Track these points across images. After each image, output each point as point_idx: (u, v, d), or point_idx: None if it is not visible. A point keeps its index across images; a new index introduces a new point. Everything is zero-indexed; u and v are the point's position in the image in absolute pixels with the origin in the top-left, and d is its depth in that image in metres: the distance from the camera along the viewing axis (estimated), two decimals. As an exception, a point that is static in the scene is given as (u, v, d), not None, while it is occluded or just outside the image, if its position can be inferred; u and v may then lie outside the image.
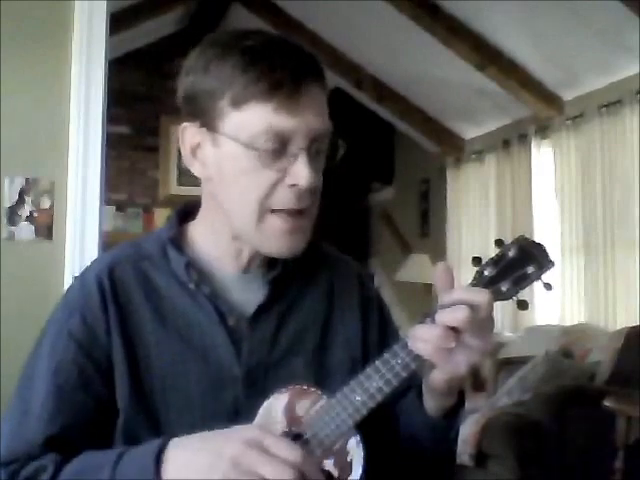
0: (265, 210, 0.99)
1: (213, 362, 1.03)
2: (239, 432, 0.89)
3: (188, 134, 1.03)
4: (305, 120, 0.98)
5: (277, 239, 1.01)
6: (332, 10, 5.36)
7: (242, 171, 0.99)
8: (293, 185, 0.98)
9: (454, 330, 0.90)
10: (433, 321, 0.91)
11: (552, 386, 3.77)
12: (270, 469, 0.84)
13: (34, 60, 2.48)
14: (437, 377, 0.95)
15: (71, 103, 2.50)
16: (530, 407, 3.70)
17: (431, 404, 1.01)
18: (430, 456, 1.07)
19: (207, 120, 1.00)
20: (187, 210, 1.13)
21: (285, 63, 0.97)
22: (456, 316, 0.89)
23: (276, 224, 1.00)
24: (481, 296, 0.91)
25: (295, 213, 1.00)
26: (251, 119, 0.97)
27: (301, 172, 0.98)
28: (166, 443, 0.90)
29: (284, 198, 0.99)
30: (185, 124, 1.03)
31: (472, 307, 0.90)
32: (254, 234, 1.01)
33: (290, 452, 0.86)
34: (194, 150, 1.04)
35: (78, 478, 0.94)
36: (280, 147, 0.98)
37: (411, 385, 1.03)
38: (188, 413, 1.01)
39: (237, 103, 0.97)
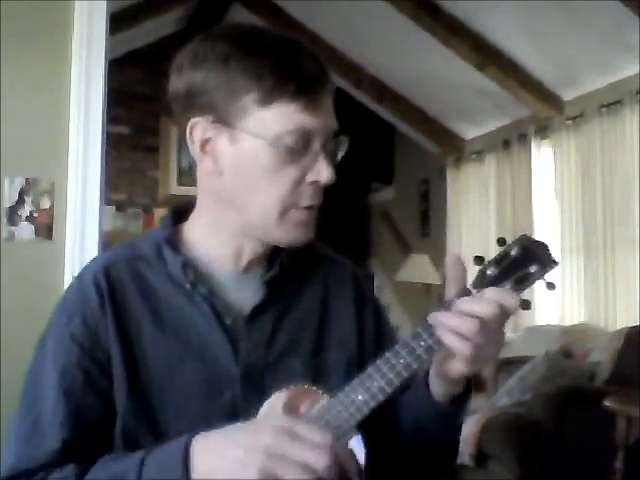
0: (288, 206, 1.01)
1: (210, 362, 1.03)
2: (266, 422, 0.89)
3: (198, 129, 1.02)
4: (325, 119, 1.00)
5: (294, 231, 1.03)
6: (332, 10, 5.36)
7: (264, 168, 0.99)
8: (314, 182, 1.00)
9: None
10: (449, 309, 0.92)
11: (552, 386, 3.77)
12: (306, 453, 0.84)
13: (34, 60, 2.48)
14: (456, 367, 0.95)
15: (71, 103, 2.49)
16: (530, 407, 3.70)
17: (440, 390, 1.01)
18: (434, 446, 1.07)
19: (222, 115, 1.00)
20: (181, 210, 1.13)
21: (310, 64, 0.99)
22: (490, 310, 0.91)
23: (296, 218, 1.02)
24: (512, 300, 0.92)
25: (310, 207, 1.03)
26: (279, 117, 0.97)
27: (323, 169, 1.00)
28: (190, 441, 0.90)
29: (306, 195, 1.01)
30: (196, 119, 1.01)
31: (501, 307, 0.91)
32: (272, 228, 1.03)
33: (322, 435, 0.86)
34: (204, 145, 1.03)
35: None
36: (303, 145, 0.99)
37: (410, 384, 1.03)
38: (186, 414, 1.01)
39: (263, 101, 0.97)
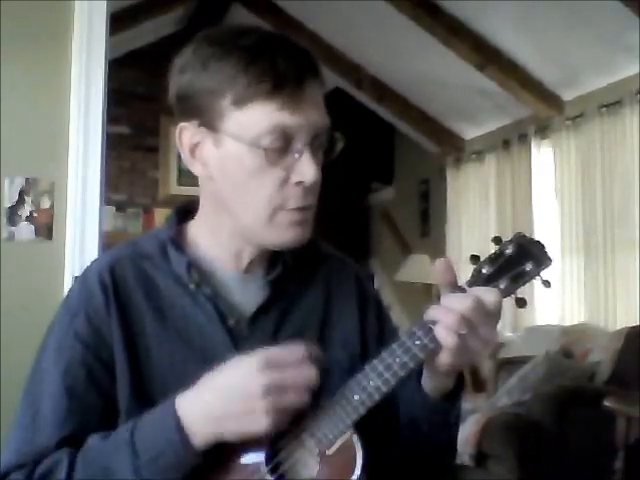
0: (276, 209, 1.00)
1: (213, 362, 1.02)
2: (247, 365, 0.92)
3: (186, 134, 1.02)
4: (308, 117, 0.98)
5: (286, 232, 1.02)
6: (332, 10, 5.36)
7: (247, 171, 0.98)
8: (299, 182, 0.99)
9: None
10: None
11: (552, 386, 3.77)
12: (296, 375, 0.91)
13: (34, 60, 2.48)
14: (443, 358, 0.95)
15: (71, 103, 2.49)
16: (530, 407, 3.70)
17: (430, 384, 1.01)
18: (431, 444, 1.06)
19: (207, 119, 0.99)
20: (186, 209, 1.13)
21: (285, 60, 0.96)
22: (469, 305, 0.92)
23: (285, 219, 1.01)
24: (492, 296, 0.93)
25: (302, 208, 1.01)
26: (255, 118, 0.96)
27: (306, 169, 0.98)
28: (175, 408, 0.93)
29: (292, 197, 0.99)
30: (183, 124, 1.02)
31: (478, 301, 0.92)
32: (263, 230, 1.02)
33: (296, 351, 0.92)
34: (193, 150, 1.03)
35: (97, 462, 0.95)
36: (284, 145, 0.97)
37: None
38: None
39: (239, 102, 0.96)
